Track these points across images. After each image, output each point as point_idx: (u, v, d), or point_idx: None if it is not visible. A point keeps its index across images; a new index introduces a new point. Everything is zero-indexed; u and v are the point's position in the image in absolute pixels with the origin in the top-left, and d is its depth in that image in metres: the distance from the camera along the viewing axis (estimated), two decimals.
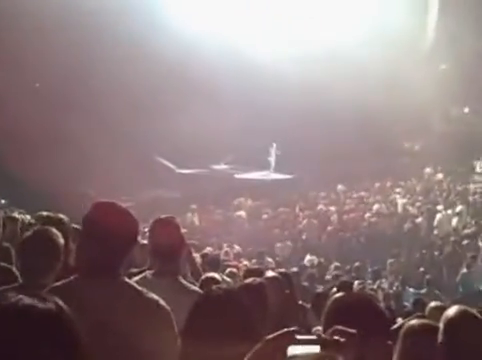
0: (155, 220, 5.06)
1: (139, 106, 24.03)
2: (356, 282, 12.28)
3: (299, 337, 1.89)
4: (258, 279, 5.15)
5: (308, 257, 19.28)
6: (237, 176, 27.44)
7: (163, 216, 5.10)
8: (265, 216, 24.03)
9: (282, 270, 8.88)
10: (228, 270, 9.92)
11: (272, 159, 27.75)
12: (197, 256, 8.85)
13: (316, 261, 18.70)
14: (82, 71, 22.84)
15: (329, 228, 22.69)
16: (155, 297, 3.49)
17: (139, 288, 3.51)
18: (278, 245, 21.26)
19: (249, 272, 7.22)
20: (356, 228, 22.75)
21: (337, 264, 17.21)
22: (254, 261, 15.69)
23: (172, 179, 25.91)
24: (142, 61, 23.11)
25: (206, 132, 23.43)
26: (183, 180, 25.88)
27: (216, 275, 6.61)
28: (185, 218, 22.04)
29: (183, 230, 5.56)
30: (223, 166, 27.72)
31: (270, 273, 6.88)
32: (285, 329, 1.96)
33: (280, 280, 6.43)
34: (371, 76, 23.72)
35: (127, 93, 23.40)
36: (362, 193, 26.16)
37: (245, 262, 14.21)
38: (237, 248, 17.67)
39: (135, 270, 5.64)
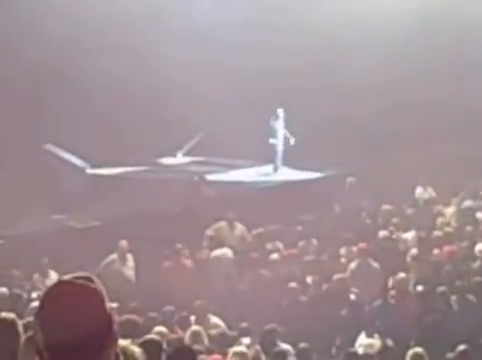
0: (50, 287, 3.13)
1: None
2: None
3: None
4: None
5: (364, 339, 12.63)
6: (210, 178, 21.58)
7: (66, 277, 3.13)
8: (275, 256, 16.47)
9: None
10: None
11: (279, 141, 21.13)
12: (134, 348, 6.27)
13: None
14: None
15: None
16: None
17: None
18: None
19: None
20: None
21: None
22: (255, 348, 11.05)
23: (80, 188, 19.14)
24: None
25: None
26: (101, 190, 19.09)
27: None
28: (109, 270, 15.54)
29: (111, 304, 3.25)
30: (181, 159, 22.43)
31: None
32: None
33: None
34: None
35: None
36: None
37: (237, 348, 10.19)
38: (217, 324, 12.92)
39: None
